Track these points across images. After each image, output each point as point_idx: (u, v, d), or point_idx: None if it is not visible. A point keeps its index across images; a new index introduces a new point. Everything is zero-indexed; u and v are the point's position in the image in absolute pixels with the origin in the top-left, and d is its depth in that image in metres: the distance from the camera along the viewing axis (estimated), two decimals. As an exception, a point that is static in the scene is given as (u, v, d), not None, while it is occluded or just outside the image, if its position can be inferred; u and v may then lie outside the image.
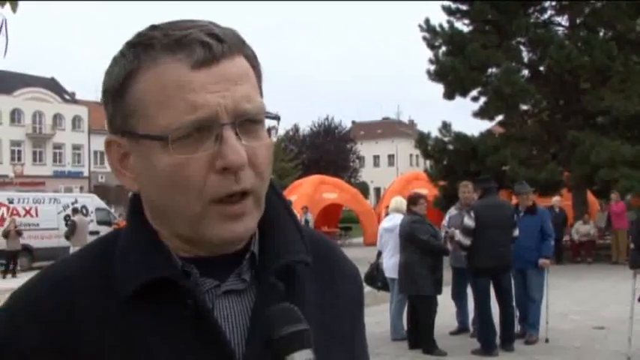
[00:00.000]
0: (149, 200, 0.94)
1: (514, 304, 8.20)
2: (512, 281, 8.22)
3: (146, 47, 0.88)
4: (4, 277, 18.92)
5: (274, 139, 0.95)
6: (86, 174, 56.62)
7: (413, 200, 8.27)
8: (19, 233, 19.68)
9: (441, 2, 21.03)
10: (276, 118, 0.94)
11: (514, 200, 9.68)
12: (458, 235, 8.60)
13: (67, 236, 17.90)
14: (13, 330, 0.89)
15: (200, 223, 0.88)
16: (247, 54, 0.93)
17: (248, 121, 0.88)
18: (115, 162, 0.95)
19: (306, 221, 21.22)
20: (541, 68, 20.00)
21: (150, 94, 0.87)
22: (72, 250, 16.65)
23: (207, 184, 0.86)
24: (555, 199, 18.14)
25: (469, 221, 7.74)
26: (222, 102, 0.86)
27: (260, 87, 0.94)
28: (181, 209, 0.88)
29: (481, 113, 20.14)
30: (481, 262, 7.70)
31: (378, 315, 9.06)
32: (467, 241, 7.74)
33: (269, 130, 0.93)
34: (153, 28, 0.91)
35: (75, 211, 19.66)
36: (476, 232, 7.65)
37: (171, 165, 0.86)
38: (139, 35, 0.91)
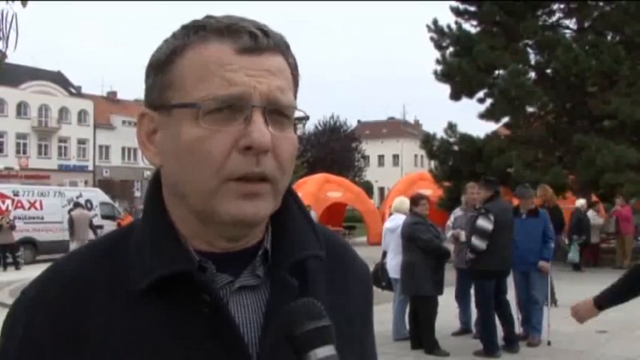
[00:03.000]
0: (168, 175, 0.95)
1: (516, 306, 8.21)
2: (514, 283, 8.23)
3: (197, 29, 0.92)
4: (5, 270, 19.04)
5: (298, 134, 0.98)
6: (91, 168, 56.75)
7: (414, 201, 8.27)
8: (12, 227, 19.74)
9: (449, 3, 21.04)
10: (305, 117, 0.97)
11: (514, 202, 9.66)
12: (463, 237, 8.61)
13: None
14: (30, 330, 0.89)
15: (214, 197, 0.89)
16: (289, 62, 0.95)
17: (277, 113, 0.91)
18: (143, 135, 0.96)
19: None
20: (548, 71, 19.95)
21: (191, 69, 0.90)
22: (72, 245, 16.68)
23: (227, 161, 0.88)
24: (581, 203, 17.77)
25: (487, 224, 7.56)
26: (258, 86, 0.89)
27: (294, 95, 0.96)
28: (198, 183, 0.89)
29: (487, 115, 20.11)
30: (493, 265, 7.63)
31: (381, 314, 9.04)
32: (483, 245, 7.54)
33: (294, 125, 0.95)
34: (208, 17, 0.95)
35: (76, 205, 19.70)
36: (491, 234, 7.59)
37: (197, 137, 0.88)
38: (194, 20, 0.95)
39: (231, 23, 0.91)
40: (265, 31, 0.92)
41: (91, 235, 17.12)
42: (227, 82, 0.88)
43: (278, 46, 0.93)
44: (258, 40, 0.90)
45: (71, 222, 17.67)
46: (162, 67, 0.93)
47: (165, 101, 0.92)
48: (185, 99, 0.89)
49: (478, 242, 7.60)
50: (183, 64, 0.91)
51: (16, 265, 19.34)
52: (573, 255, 15.96)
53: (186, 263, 0.90)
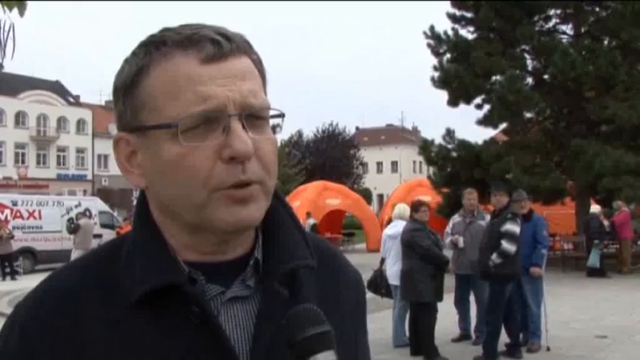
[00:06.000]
0: (156, 194, 0.94)
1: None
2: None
3: (157, 44, 0.91)
4: (3, 279, 19.03)
5: (278, 137, 0.97)
6: (90, 177, 56.70)
7: (414, 207, 8.27)
8: (11, 237, 19.76)
9: (446, 9, 21.07)
10: (281, 115, 0.96)
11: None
12: (461, 243, 8.62)
13: (71, 232, 18.03)
14: (26, 346, 0.90)
15: (206, 208, 0.89)
16: (253, 58, 0.95)
17: (253, 117, 0.90)
18: (123, 159, 0.96)
19: (314, 225, 21.32)
20: (545, 76, 19.96)
21: (160, 87, 0.89)
22: (74, 252, 16.70)
23: (213, 173, 0.87)
24: (597, 208, 17.51)
25: (516, 227, 7.55)
26: (230, 95, 0.88)
27: (265, 91, 0.96)
28: (188, 199, 0.89)
29: (485, 121, 20.11)
30: (515, 269, 7.63)
31: (381, 321, 9.05)
32: (513, 248, 7.46)
33: (273, 127, 0.95)
34: (165, 30, 0.94)
35: (82, 214, 19.72)
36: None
37: (179, 154, 0.88)
38: (151, 36, 0.94)
39: (191, 33, 0.90)
40: (226, 36, 0.91)
41: (93, 245, 17.12)
42: (200, 96, 0.87)
43: (241, 47, 0.92)
44: (221, 47, 0.89)
45: (78, 230, 17.60)
46: (129, 89, 0.92)
47: (139, 123, 0.92)
48: (159, 119, 0.89)
49: (509, 246, 7.46)
50: (151, 84, 0.90)
51: (12, 275, 19.29)
52: (594, 260, 15.95)
53: (176, 275, 0.90)
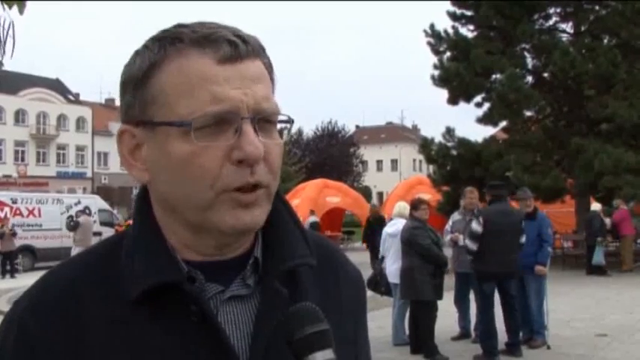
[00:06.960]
0: (159, 191, 0.94)
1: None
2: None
3: (173, 40, 0.90)
4: (3, 277, 19.04)
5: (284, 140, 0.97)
6: (89, 175, 56.67)
7: (414, 205, 8.28)
8: (13, 234, 19.77)
9: (446, 8, 21.07)
10: (290, 121, 0.96)
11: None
12: (462, 241, 8.63)
13: (70, 230, 18.00)
14: (25, 344, 0.89)
15: (210, 209, 0.89)
16: (265, 62, 0.95)
17: (263, 120, 0.90)
18: (126, 152, 0.95)
19: (315, 223, 21.25)
20: (545, 75, 19.98)
21: (173, 83, 0.89)
22: (74, 250, 16.71)
23: (222, 174, 0.87)
24: (598, 206, 17.53)
25: (477, 226, 7.71)
26: (245, 99, 0.88)
27: (273, 94, 0.96)
28: (192, 197, 0.89)
29: (485, 119, 20.12)
30: (487, 267, 7.68)
31: (380, 319, 9.05)
32: (473, 246, 7.74)
33: (280, 131, 0.95)
34: (180, 26, 0.93)
35: (82, 212, 19.73)
36: (484, 237, 7.63)
37: (189, 152, 0.87)
38: (165, 31, 0.93)
39: (209, 32, 0.89)
40: (243, 38, 0.91)
41: (93, 242, 17.09)
42: (214, 97, 0.87)
43: (255, 50, 0.92)
44: (238, 48, 0.89)
45: (77, 227, 17.60)
46: (140, 82, 0.91)
47: (148, 117, 0.91)
48: (170, 115, 0.88)
49: (469, 244, 7.83)
50: (164, 79, 0.89)
51: (12, 273, 19.30)
52: (599, 258, 15.98)
53: (175, 274, 0.90)
